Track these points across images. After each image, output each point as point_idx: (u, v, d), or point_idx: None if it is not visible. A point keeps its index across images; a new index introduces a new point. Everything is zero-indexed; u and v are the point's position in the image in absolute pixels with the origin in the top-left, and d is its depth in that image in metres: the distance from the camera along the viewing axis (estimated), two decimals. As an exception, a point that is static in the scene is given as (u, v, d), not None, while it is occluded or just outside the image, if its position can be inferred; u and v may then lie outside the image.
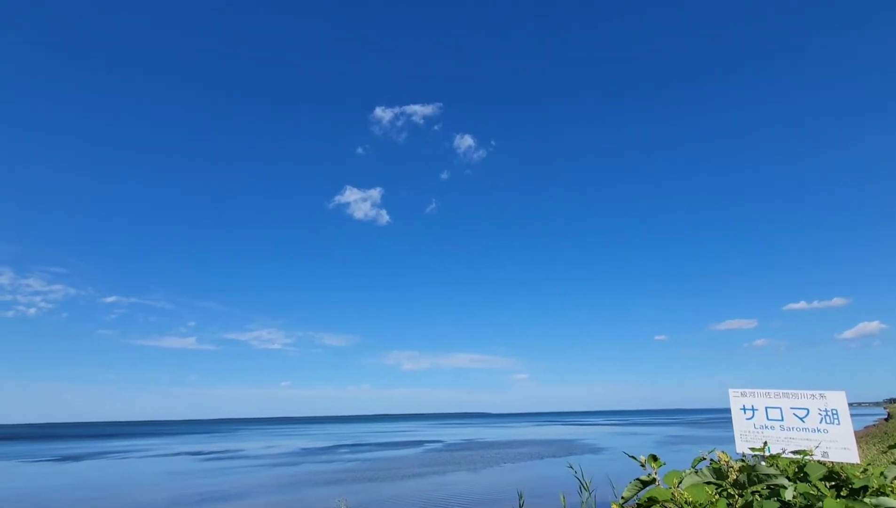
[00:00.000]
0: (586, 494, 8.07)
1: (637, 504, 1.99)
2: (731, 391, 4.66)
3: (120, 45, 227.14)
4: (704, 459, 2.46)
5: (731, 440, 4.72)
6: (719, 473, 1.92)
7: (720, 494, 1.85)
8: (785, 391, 4.42)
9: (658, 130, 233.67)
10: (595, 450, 30.31)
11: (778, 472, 1.89)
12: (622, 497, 2.08)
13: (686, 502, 1.77)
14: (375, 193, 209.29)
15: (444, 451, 33.76)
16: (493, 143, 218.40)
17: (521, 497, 8.33)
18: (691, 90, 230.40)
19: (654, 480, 2.04)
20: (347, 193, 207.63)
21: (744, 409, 4.48)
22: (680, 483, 1.92)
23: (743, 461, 2.32)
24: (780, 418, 4.30)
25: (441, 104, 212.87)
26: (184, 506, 14.90)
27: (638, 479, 2.07)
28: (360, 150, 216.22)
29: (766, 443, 2.76)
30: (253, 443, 50.19)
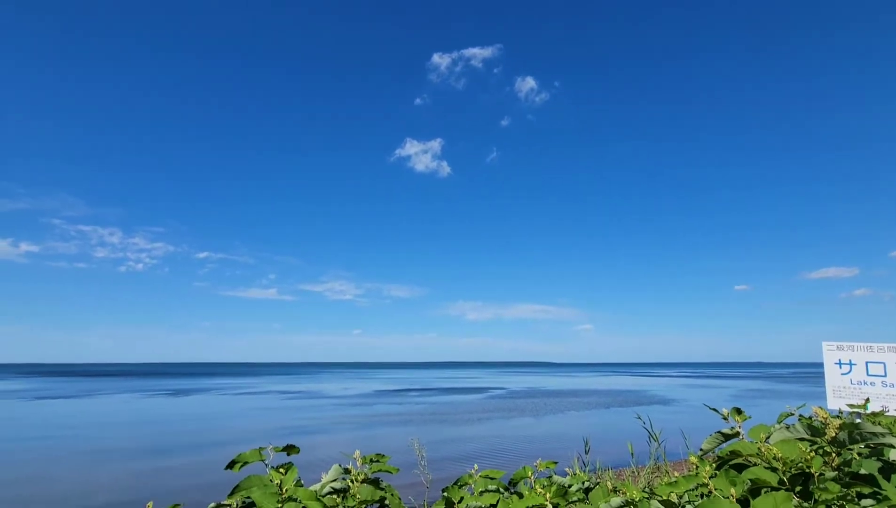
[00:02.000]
0: (655, 444, 7.99)
1: (717, 456, 1.92)
2: (825, 344, 4.31)
3: (189, 26, 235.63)
4: (792, 414, 2.30)
5: (819, 396, 4.40)
6: (814, 430, 1.78)
7: (815, 452, 1.73)
8: (890, 344, 4.02)
9: (743, 74, 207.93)
10: (664, 402, 29.78)
11: (884, 431, 1.73)
12: (701, 450, 2.01)
13: (774, 458, 1.67)
14: (436, 144, 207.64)
15: (508, 398, 34.75)
16: (556, 84, 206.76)
17: (586, 444, 8.44)
18: (780, 44, 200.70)
19: (737, 434, 1.95)
20: (408, 146, 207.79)
21: (839, 363, 4.14)
22: (768, 438, 1.81)
23: (840, 417, 2.14)
24: (883, 373, 3.94)
25: (501, 45, 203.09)
26: (277, 437, 16.72)
27: (719, 432, 1.98)
28: (418, 100, 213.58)
29: (867, 400, 2.53)
30: (331, 385, 54.59)
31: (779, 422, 2.11)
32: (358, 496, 2.19)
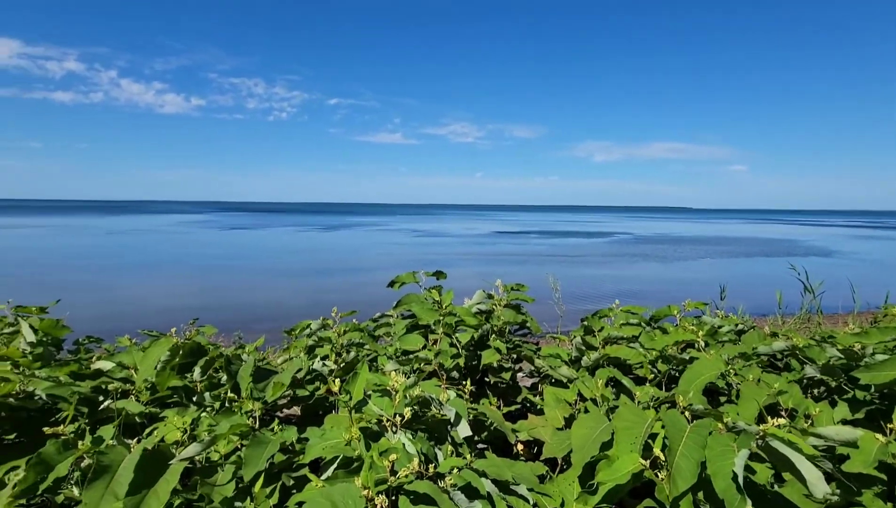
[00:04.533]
0: (809, 296, 7.29)
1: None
2: None
3: None
4: None
5: None
6: None
7: None
8: None
9: None
10: (826, 253, 26.33)
11: None
12: (905, 302, 1.72)
13: None
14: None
15: (633, 243, 33.81)
16: None
17: (722, 290, 8.04)
18: None
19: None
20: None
21: None
22: None
23: None
24: None
25: None
26: (418, 265, 18.98)
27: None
28: None
29: None
30: (455, 225, 58.44)
31: None
32: (502, 317, 2.40)
